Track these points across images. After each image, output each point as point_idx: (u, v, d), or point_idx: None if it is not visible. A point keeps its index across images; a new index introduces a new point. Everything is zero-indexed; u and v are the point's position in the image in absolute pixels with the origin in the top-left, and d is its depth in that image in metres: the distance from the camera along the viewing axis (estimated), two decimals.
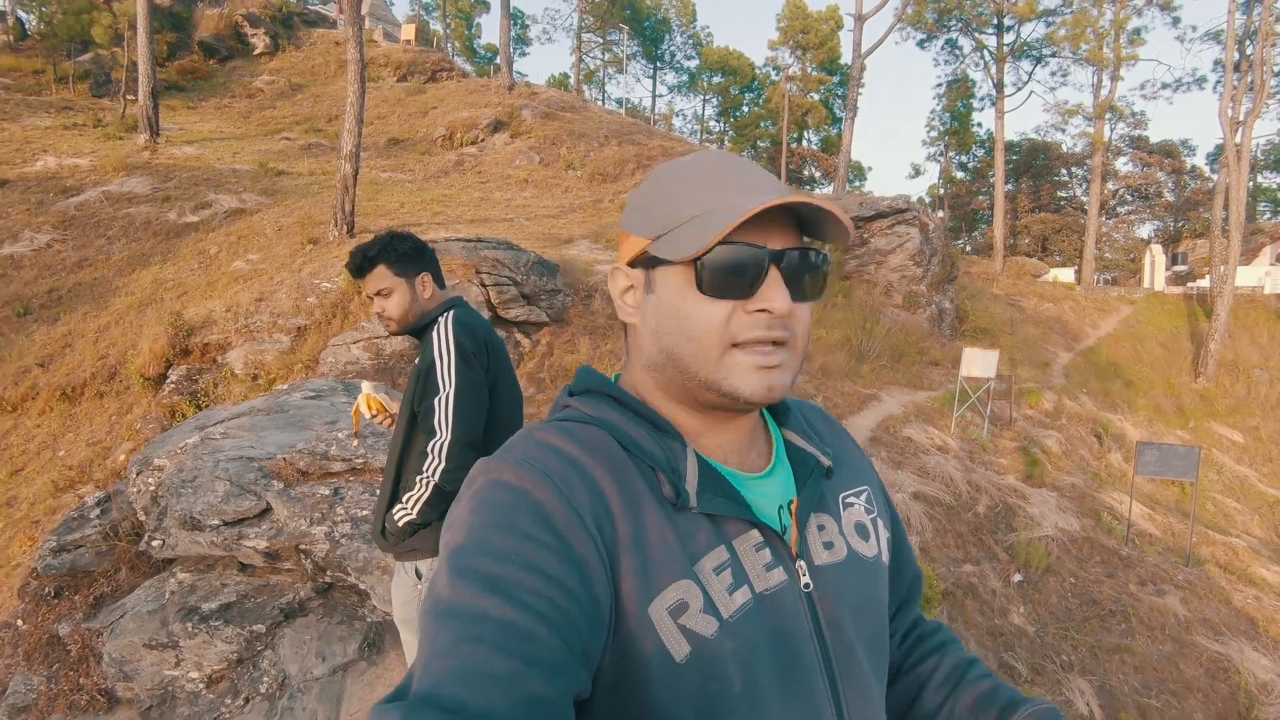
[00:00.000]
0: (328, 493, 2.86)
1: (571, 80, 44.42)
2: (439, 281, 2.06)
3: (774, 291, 0.62)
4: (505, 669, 0.48)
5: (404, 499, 1.83)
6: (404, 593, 1.96)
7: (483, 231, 12.01)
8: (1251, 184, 30.78)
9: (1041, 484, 9.20)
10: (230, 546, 2.82)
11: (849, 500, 0.75)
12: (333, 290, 9.67)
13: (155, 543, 2.96)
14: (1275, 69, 22.59)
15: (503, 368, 2.01)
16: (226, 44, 22.97)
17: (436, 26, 42.85)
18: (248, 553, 2.82)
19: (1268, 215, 35.60)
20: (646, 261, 0.67)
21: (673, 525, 0.61)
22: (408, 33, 27.02)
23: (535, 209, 16.34)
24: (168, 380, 8.55)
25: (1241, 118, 18.92)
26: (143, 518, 3.11)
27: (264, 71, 22.57)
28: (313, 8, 28.88)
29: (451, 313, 1.93)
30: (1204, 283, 23.70)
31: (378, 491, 2.98)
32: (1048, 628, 6.93)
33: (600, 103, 39.09)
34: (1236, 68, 19.44)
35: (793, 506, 0.69)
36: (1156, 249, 28.89)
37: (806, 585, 0.66)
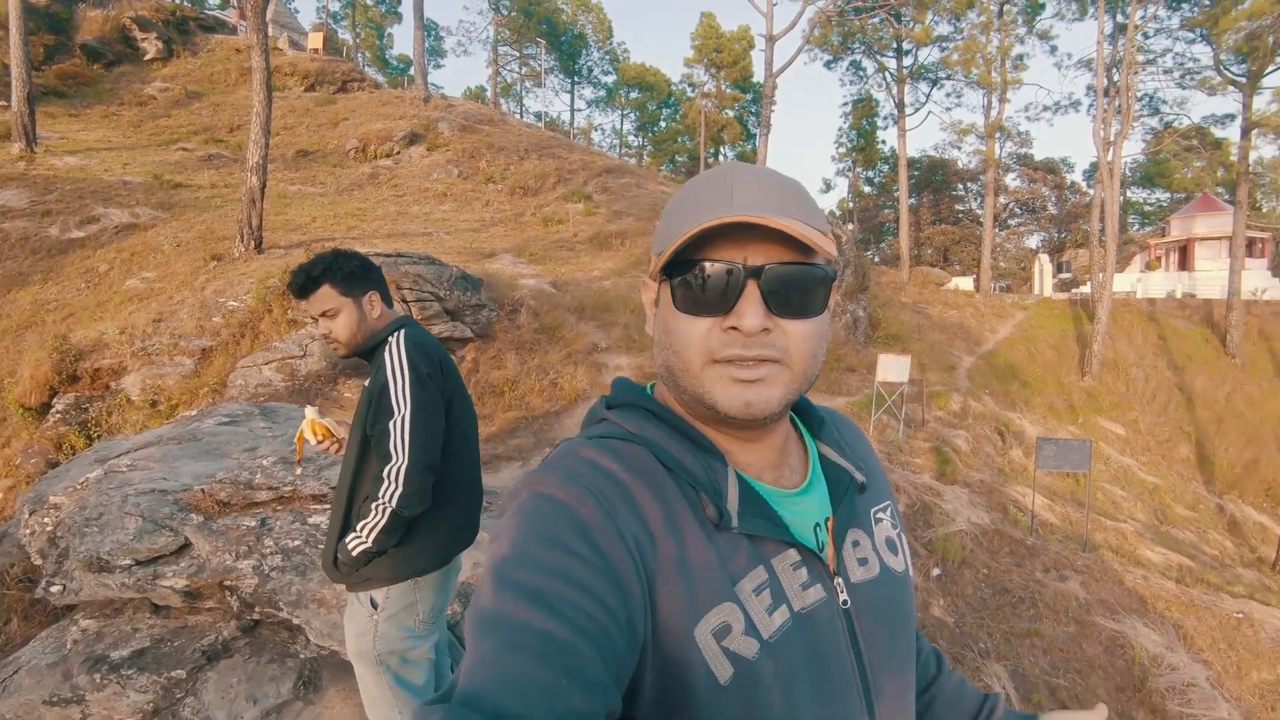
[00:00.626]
0: (254, 524, 2.69)
1: (488, 93, 44.00)
2: (387, 300, 2.00)
3: (745, 308, 0.61)
4: (545, 679, 0.49)
5: (358, 527, 1.76)
6: (358, 624, 1.87)
7: (401, 246, 11.68)
8: (1123, 198, 33.74)
9: (954, 481, 9.72)
10: (144, 587, 2.61)
11: (879, 516, 0.76)
12: (240, 309, 9.16)
13: (54, 588, 2.71)
14: (1139, 95, 24.95)
15: (457, 387, 1.97)
16: (113, 48, 21.46)
17: (345, 36, 41.53)
18: (164, 593, 2.62)
19: (1137, 227, 39.14)
20: (656, 278, 0.69)
21: (714, 546, 0.61)
22: (315, 41, 26.06)
23: (455, 223, 16.02)
24: (53, 410, 7.84)
25: (1112, 138, 20.75)
26: (38, 561, 2.84)
27: (156, 78, 21.22)
28: (210, 13, 27.44)
29: (402, 332, 1.87)
30: (1086, 289, 25.77)
31: (308, 521, 2.84)
32: (965, 618, 7.30)
33: (519, 116, 38.85)
34: (1106, 93, 21.34)
35: (829, 523, 0.69)
36: (1044, 258, 31.22)
37: (845, 603, 0.66)
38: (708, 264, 0.61)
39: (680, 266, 0.63)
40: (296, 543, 2.64)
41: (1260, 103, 22.24)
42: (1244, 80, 22.21)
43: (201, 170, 15.61)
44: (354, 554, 1.76)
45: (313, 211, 14.43)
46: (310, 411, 1.97)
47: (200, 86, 21.32)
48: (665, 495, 0.62)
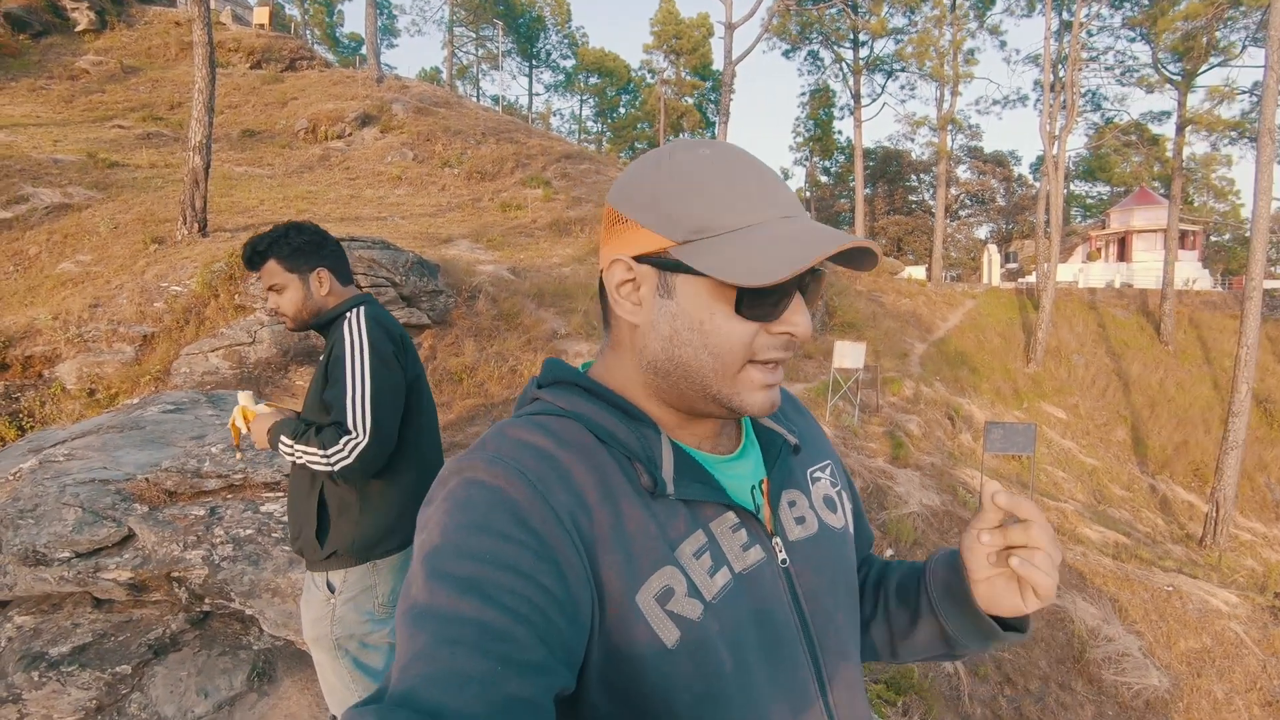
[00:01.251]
0: (203, 513, 2.60)
1: (444, 75, 43.05)
2: (342, 278, 1.94)
3: (799, 315, 0.62)
4: (483, 670, 0.48)
5: (299, 444, 1.71)
6: (315, 609, 1.83)
7: (355, 231, 11.37)
8: (1067, 191, 34.95)
9: (906, 464, 9.99)
10: (85, 581, 2.50)
11: (816, 475, 0.77)
12: (184, 294, 8.81)
13: None
14: (1083, 91, 25.81)
15: (418, 369, 1.94)
16: (40, 18, 20.26)
17: (293, 12, 40.06)
18: (107, 586, 2.51)
19: (1079, 219, 40.61)
20: (666, 264, 0.62)
21: (651, 513, 0.61)
22: (261, 16, 25.05)
23: (411, 207, 15.68)
24: None
25: (1057, 133, 21.45)
26: None
27: (89, 51, 20.13)
28: None
29: (362, 308, 1.83)
30: (1032, 278, 26.67)
31: (261, 509, 2.76)
32: None
33: (475, 99, 38.13)
34: (1052, 88, 22.01)
35: (764, 485, 0.71)
36: (992, 248, 32.19)
37: (784, 561, 0.67)
38: (798, 279, 0.62)
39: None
40: (248, 531, 2.56)
41: (1194, 100, 23.26)
42: (1179, 79, 23.18)
43: (139, 149, 14.91)
44: (278, 450, 1.76)
45: (260, 194, 13.93)
46: (243, 397, 1.90)
47: (137, 60, 20.31)
48: (599, 466, 0.62)
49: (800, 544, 0.70)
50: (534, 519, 0.56)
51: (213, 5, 15.90)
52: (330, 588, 1.81)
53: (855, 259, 0.63)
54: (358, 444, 1.69)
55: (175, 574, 2.50)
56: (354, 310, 1.83)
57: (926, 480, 9.63)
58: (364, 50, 27.90)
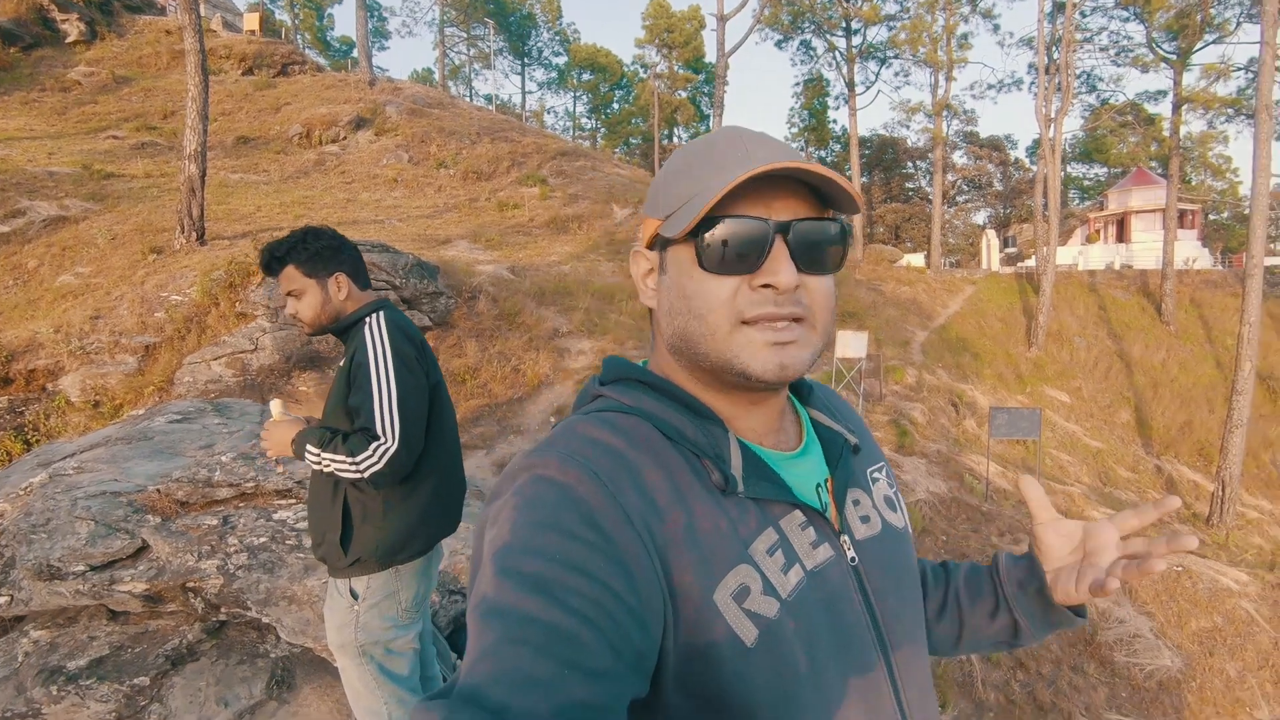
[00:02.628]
0: (215, 522, 2.59)
1: (436, 76, 42.95)
2: (360, 282, 1.94)
3: (778, 264, 0.61)
4: (548, 672, 0.48)
5: (327, 452, 1.70)
6: (338, 616, 1.83)
7: (352, 234, 11.30)
8: (1064, 173, 34.85)
9: (912, 452, 9.99)
10: (100, 594, 2.50)
11: (874, 475, 0.78)
12: (184, 303, 8.80)
13: (1, 599, 2.57)
14: (1078, 72, 25.71)
15: (438, 374, 1.95)
16: (30, 30, 20.20)
17: (283, 17, 39.93)
18: (123, 598, 2.51)
19: (1077, 201, 40.54)
20: (660, 243, 0.67)
21: (723, 511, 0.61)
22: (251, 22, 24.99)
23: (408, 209, 15.66)
24: None
25: (1053, 115, 21.37)
26: None
27: (80, 62, 20.08)
28: None
29: (381, 313, 1.84)
30: (1031, 262, 26.62)
31: (273, 516, 2.75)
32: None
33: (468, 99, 38.03)
34: (1047, 70, 21.93)
35: (829, 484, 0.71)
36: (991, 234, 32.12)
37: (853, 559, 0.67)
38: (737, 220, 0.60)
39: (704, 225, 0.61)
40: (262, 539, 2.55)
41: (1190, 79, 23.20)
42: (1174, 57, 23.09)
43: (134, 159, 14.88)
44: (304, 460, 1.74)
45: (257, 200, 13.91)
46: (275, 407, 1.90)
47: (129, 71, 20.27)
48: (669, 465, 0.61)
49: (867, 542, 0.70)
50: (605, 520, 0.55)
51: (203, 13, 15.83)
52: (354, 594, 1.80)
53: (834, 201, 0.64)
54: (388, 449, 1.69)
55: (190, 584, 2.50)
56: (374, 315, 1.83)
57: (933, 468, 9.64)
58: (355, 53, 27.83)
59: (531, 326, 10.41)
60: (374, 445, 1.69)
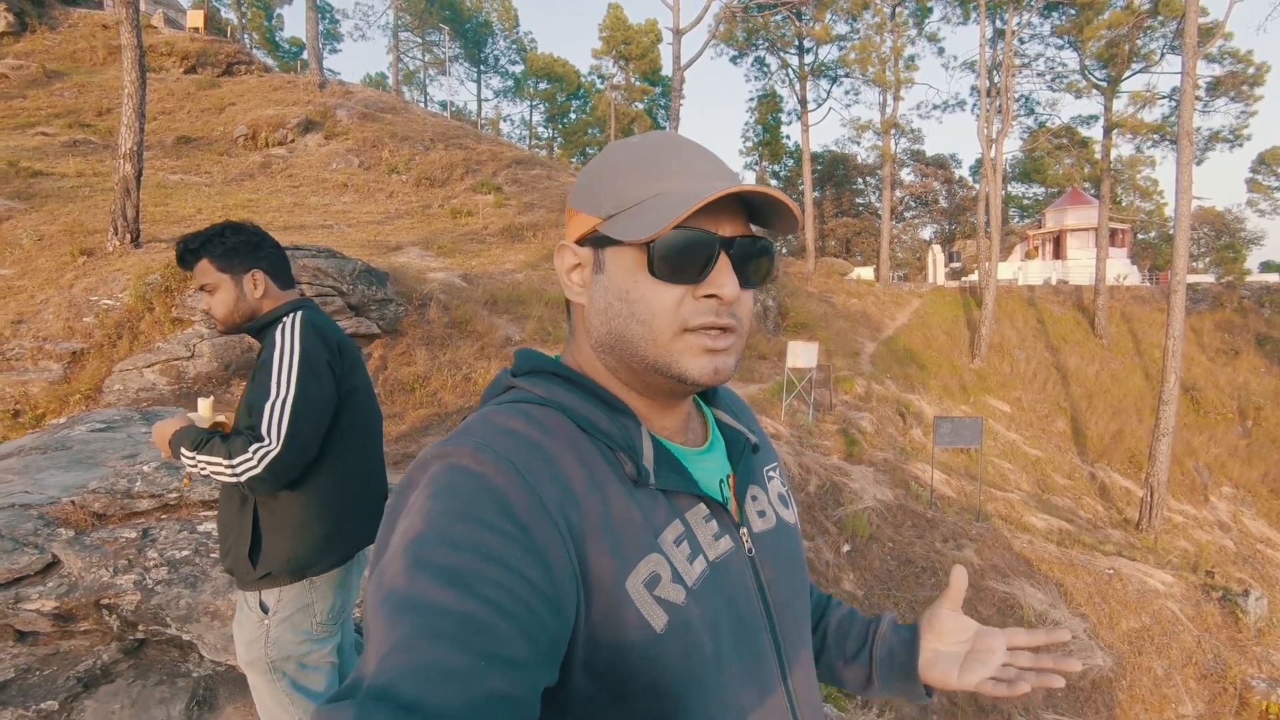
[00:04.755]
0: (134, 535, 2.46)
1: (390, 80, 42.32)
2: (280, 281, 1.86)
3: (724, 278, 0.63)
4: (463, 664, 0.47)
5: (203, 454, 1.61)
6: (248, 631, 1.74)
7: (299, 239, 11.04)
8: (1005, 192, 36.26)
9: (860, 461, 10.19)
10: (4, 613, 2.34)
11: (770, 474, 0.81)
12: (116, 308, 8.41)
13: None
14: (1017, 96, 26.83)
15: (360, 378, 1.87)
16: None
17: (229, 15, 38.81)
18: (29, 617, 2.36)
19: (1017, 219, 42.17)
20: (596, 240, 0.67)
21: (635, 501, 0.62)
22: (195, 20, 24.19)
23: (358, 215, 15.32)
24: None
25: (994, 136, 22.23)
26: None
27: (8, 54, 19.13)
28: None
29: (299, 313, 1.75)
30: (974, 277, 27.55)
31: (198, 529, 2.63)
32: (874, 590, 7.67)
33: (423, 105, 37.55)
34: (989, 93, 22.83)
35: (730, 480, 0.73)
36: (936, 249, 33.15)
37: (750, 551, 0.70)
38: (691, 231, 0.62)
39: (663, 235, 0.62)
40: (185, 553, 2.43)
41: (1119, 105, 24.44)
42: (1105, 84, 24.31)
43: (65, 157, 14.21)
44: (179, 462, 1.65)
45: (198, 202, 13.43)
46: (204, 406, 1.81)
47: (61, 65, 19.38)
48: (584, 456, 0.62)
49: (762, 536, 0.73)
50: (521, 510, 0.55)
51: (143, 8, 15.27)
52: (264, 608, 1.72)
53: (772, 218, 0.66)
54: (268, 451, 1.60)
55: (105, 601, 2.36)
56: (291, 315, 1.75)
57: (880, 475, 9.83)
58: (305, 55, 27.21)
59: (483, 335, 10.28)
60: (254, 447, 1.60)
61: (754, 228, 0.68)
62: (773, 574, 0.71)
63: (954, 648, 0.81)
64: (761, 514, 0.75)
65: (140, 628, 2.35)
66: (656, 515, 0.63)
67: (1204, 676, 7.12)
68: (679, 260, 0.62)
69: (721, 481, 0.72)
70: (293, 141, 18.52)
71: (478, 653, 0.47)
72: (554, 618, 0.53)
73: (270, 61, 32.26)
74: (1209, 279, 29.31)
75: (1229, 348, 22.09)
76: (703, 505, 0.67)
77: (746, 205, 0.67)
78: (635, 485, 0.63)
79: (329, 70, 26.31)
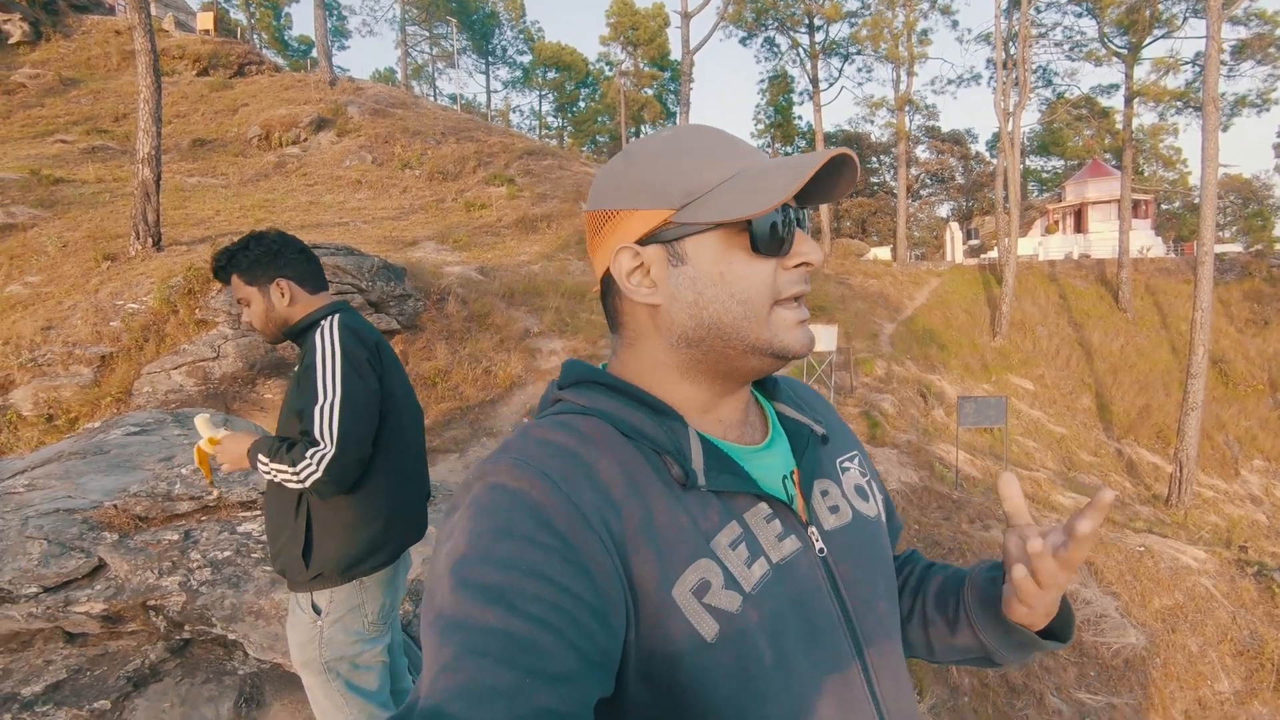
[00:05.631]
0: (177, 537, 2.50)
1: (398, 75, 42.36)
2: (310, 285, 1.87)
3: (807, 245, 0.65)
4: (509, 682, 0.47)
5: (275, 462, 1.65)
6: (301, 632, 1.77)
7: (316, 237, 11.13)
8: (1023, 166, 35.62)
9: (884, 444, 10.12)
10: (55, 615, 2.40)
11: (845, 465, 0.77)
12: (141, 311, 8.54)
13: None
14: (1034, 67, 26.27)
15: (397, 376, 1.88)
16: None
17: (238, 16, 38.96)
18: (79, 619, 2.41)
19: (1036, 193, 41.46)
20: (672, 233, 0.64)
21: (683, 506, 0.61)
22: (205, 22, 24.34)
23: (373, 211, 15.41)
24: None
25: (1011, 109, 21.81)
26: None
27: (25, 64, 19.37)
28: None
29: (337, 316, 1.78)
30: (993, 254, 27.15)
31: (238, 529, 2.67)
32: None
33: (432, 99, 37.55)
34: (1005, 65, 22.37)
35: (795, 476, 0.70)
36: (954, 226, 32.68)
37: (821, 550, 0.67)
38: (787, 208, 0.64)
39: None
40: (226, 553, 2.48)
41: (1140, 73, 23.84)
42: (1126, 52, 23.72)
43: (85, 163, 14.40)
44: (258, 471, 1.69)
45: (215, 204, 13.56)
46: (201, 424, 1.83)
47: (77, 72, 19.60)
48: (625, 461, 0.61)
49: (836, 533, 0.70)
50: (559, 521, 0.55)
51: (154, 12, 15.36)
52: (316, 610, 1.75)
53: (836, 184, 0.67)
54: (324, 455, 1.63)
55: (151, 602, 2.41)
56: (328, 319, 1.77)
57: (904, 458, 9.77)
58: (315, 53, 27.28)
59: (502, 327, 10.32)
60: (310, 452, 1.63)
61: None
62: (850, 572, 0.68)
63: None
64: (834, 509, 0.71)
65: (186, 628, 2.40)
66: (709, 518, 0.61)
67: (1240, 653, 7.03)
68: (777, 233, 0.63)
69: (785, 478, 0.69)
70: (306, 140, 18.63)
71: (523, 670, 0.48)
72: (602, 628, 0.53)
73: (280, 61, 32.40)
74: (1236, 248, 28.64)
75: (1258, 318, 21.61)
76: (764, 505, 0.65)
77: None
78: (684, 489, 0.61)
79: (338, 67, 26.37)
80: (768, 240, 0.63)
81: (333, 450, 1.63)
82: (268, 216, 13.15)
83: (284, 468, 1.63)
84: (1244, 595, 7.81)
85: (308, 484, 1.63)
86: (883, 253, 27.93)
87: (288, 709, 2.29)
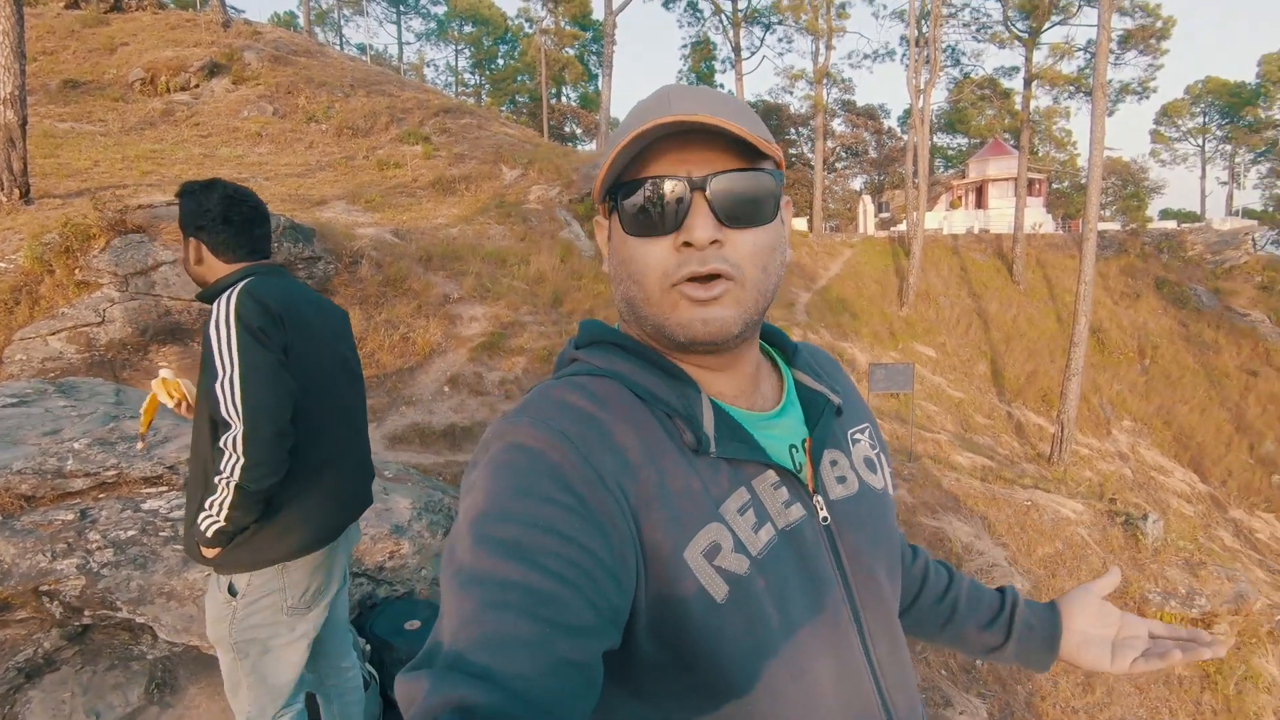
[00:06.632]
0: (71, 517, 2.30)
1: (300, 20, 39.43)
2: (227, 254, 1.74)
3: (695, 221, 0.59)
4: (531, 633, 0.48)
5: (208, 504, 1.55)
6: (214, 610, 1.68)
7: None
8: (931, 143, 37.12)
9: None
10: None
11: (856, 437, 0.78)
12: (10, 270, 7.71)
13: None
14: (944, 46, 27.25)
15: (313, 343, 1.75)
16: None
17: None
18: None
19: (943, 169, 43.40)
20: (604, 209, 0.67)
21: (695, 470, 0.61)
22: None
23: (275, 167, 14.43)
24: None
25: (922, 86, 22.61)
26: None
27: None
28: None
29: (242, 284, 1.65)
30: (902, 227, 28.33)
31: (142, 507, 2.50)
32: None
33: (339, 48, 35.28)
34: (917, 43, 23.10)
35: (806, 444, 0.71)
36: (867, 199, 33.85)
37: (825, 519, 0.68)
38: (651, 180, 0.60)
39: (624, 189, 0.61)
40: (131, 533, 2.31)
41: (1039, 57, 25.19)
42: (1026, 36, 24.96)
43: None
44: (209, 534, 1.55)
45: (93, 154, 12.34)
46: (165, 372, 1.71)
47: None
48: (641, 425, 0.62)
49: (841, 503, 0.71)
50: (576, 481, 0.56)
51: None
52: (232, 591, 1.66)
53: (726, 152, 0.61)
54: (235, 434, 1.51)
55: (45, 587, 2.23)
56: (231, 287, 1.64)
57: None
58: None
59: (420, 293, 9.96)
60: (226, 439, 1.52)
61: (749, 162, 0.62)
62: (853, 542, 0.69)
63: (1101, 631, 0.84)
64: (841, 479, 0.72)
65: (86, 613, 2.24)
66: (719, 484, 0.62)
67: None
68: (646, 210, 0.60)
69: (793, 447, 0.70)
70: (197, 86, 17.15)
71: (544, 621, 0.49)
72: (614, 585, 0.54)
73: None
74: (1115, 226, 31.06)
75: (1131, 291, 23.62)
76: (771, 472, 0.66)
77: (740, 141, 0.61)
78: (695, 454, 0.62)
79: (232, 8, 24.26)
80: (632, 221, 0.61)
81: (240, 427, 1.52)
82: (155, 169, 12.09)
83: (217, 496, 1.53)
84: (1113, 542, 8.65)
85: (237, 475, 1.51)
86: (799, 224, 28.62)
87: (205, 691, 2.19)
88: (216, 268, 1.75)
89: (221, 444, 1.53)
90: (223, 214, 1.73)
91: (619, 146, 0.59)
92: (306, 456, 1.70)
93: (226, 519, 1.55)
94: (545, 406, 0.61)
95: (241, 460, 1.52)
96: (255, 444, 1.53)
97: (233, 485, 1.53)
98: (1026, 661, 0.88)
